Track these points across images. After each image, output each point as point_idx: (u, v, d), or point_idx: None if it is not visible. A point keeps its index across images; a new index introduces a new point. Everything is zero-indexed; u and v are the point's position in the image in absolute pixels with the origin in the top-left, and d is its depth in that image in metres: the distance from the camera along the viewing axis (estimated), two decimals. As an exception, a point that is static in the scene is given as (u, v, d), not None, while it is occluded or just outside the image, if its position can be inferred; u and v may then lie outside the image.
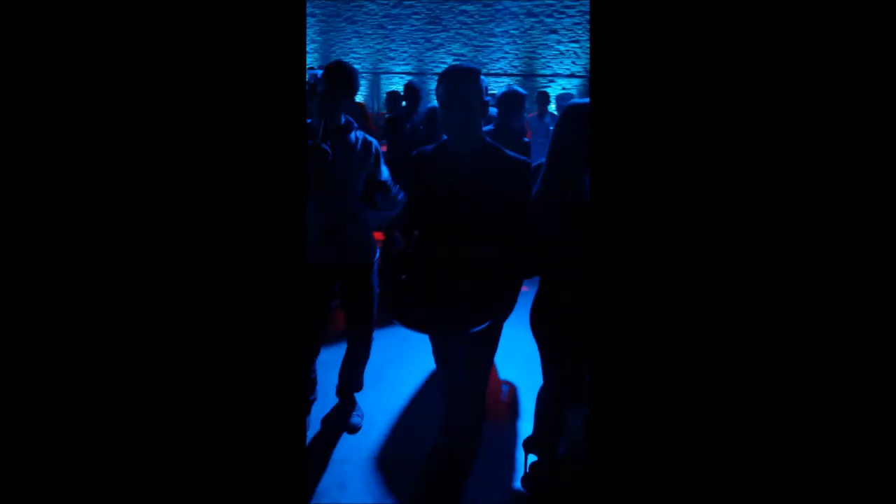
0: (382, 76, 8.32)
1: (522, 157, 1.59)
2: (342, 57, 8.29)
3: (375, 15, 8.30)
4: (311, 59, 8.60)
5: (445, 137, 1.60)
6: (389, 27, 8.25)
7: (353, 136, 1.99)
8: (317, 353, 2.24)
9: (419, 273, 1.54)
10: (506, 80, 7.53)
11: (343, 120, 1.95)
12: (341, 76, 1.88)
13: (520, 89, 2.97)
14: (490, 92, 1.70)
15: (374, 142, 2.04)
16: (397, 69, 8.28)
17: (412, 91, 4.37)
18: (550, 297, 1.65)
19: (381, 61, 8.37)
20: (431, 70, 8.03)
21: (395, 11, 8.20)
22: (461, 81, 1.49)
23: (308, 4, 8.60)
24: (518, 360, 2.71)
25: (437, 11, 7.99)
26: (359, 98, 8.24)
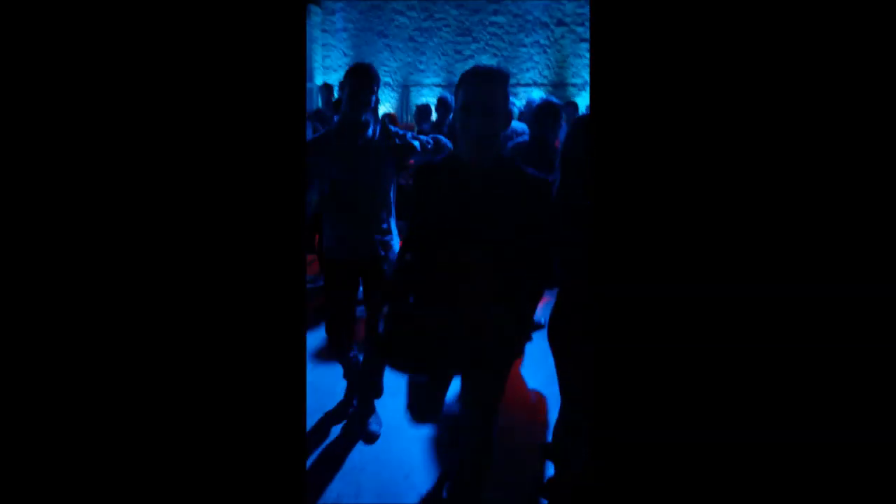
0: (412, 88, 8.39)
1: (542, 175, 1.42)
2: (373, 69, 8.39)
3: (406, 28, 8.40)
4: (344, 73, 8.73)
5: (461, 147, 1.39)
6: (420, 40, 8.33)
7: (370, 131, 2.05)
8: (350, 339, 2.26)
9: (405, 303, 1.35)
10: (535, 90, 7.49)
11: (363, 118, 2.02)
12: (362, 75, 1.98)
13: (555, 100, 2.93)
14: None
15: (391, 126, 2.13)
16: (427, 81, 8.34)
17: (444, 105, 4.38)
18: (558, 316, 1.62)
19: (412, 73, 8.45)
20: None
21: (426, 24, 8.27)
22: (487, 84, 1.30)
23: (340, 18, 8.76)
24: (547, 369, 2.65)
25: (468, 23, 8.04)
26: (390, 109, 8.32)
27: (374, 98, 2.02)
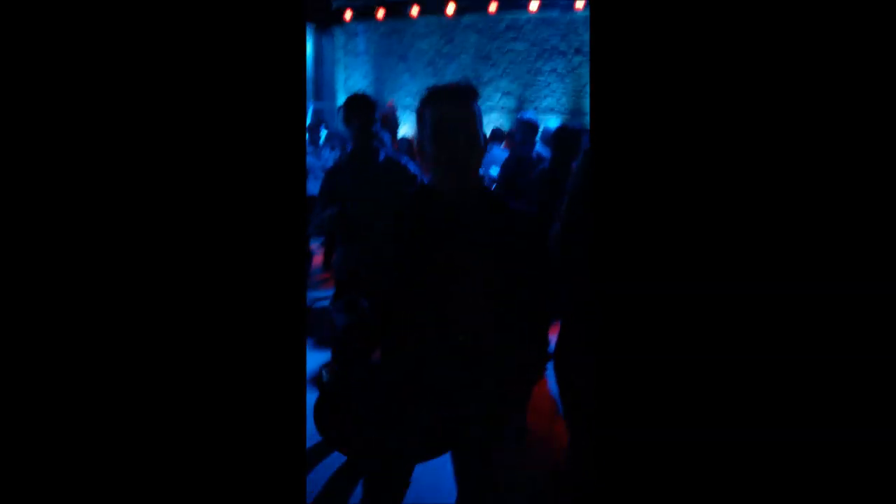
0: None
1: (531, 211, 1.25)
2: (394, 93, 8.56)
3: (427, 52, 8.57)
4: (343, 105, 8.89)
5: (433, 179, 1.17)
6: (439, 64, 8.49)
7: (381, 155, 2.19)
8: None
9: (353, 371, 1.10)
10: (552, 118, 7.57)
11: (373, 145, 2.18)
12: (363, 107, 2.14)
13: (575, 125, 2.94)
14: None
15: (402, 157, 2.31)
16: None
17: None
18: (562, 347, 1.60)
19: (430, 96, 8.57)
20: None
21: (445, 50, 8.44)
22: (458, 103, 1.10)
23: (362, 41, 8.97)
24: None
25: (487, 49, 8.18)
26: (409, 134, 8.50)
27: (377, 125, 2.17)
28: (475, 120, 1.12)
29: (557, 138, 2.82)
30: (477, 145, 1.12)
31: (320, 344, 3.30)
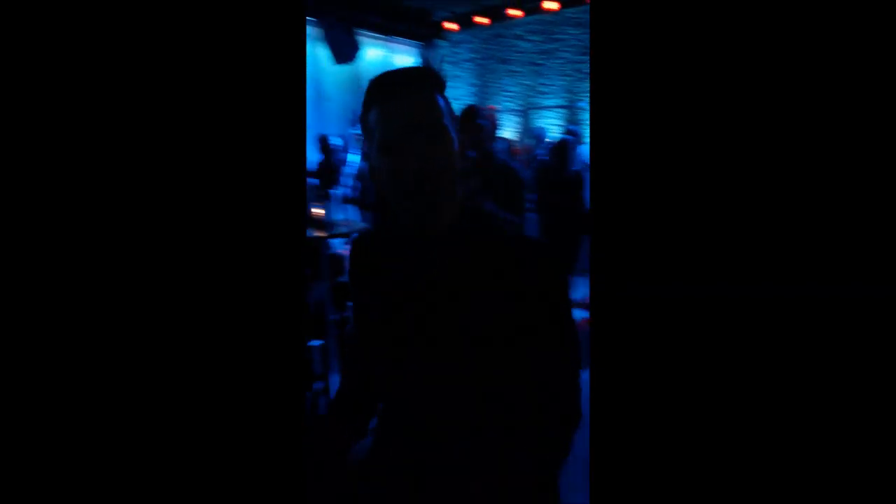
0: (534, 112, 8.53)
1: (541, 240, 0.85)
2: (495, 96, 8.72)
3: (527, 52, 8.60)
4: (471, 101, 9.19)
5: (394, 208, 0.83)
6: (540, 62, 8.47)
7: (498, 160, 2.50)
8: None
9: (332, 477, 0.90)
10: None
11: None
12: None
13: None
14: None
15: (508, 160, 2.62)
16: (547, 103, 8.42)
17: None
18: None
19: (533, 97, 8.60)
20: (580, 99, 8.00)
21: (546, 47, 8.40)
22: (426, 95, 0.78)
23: (465, 50, 9.26)
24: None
25: (588, 41, 7.96)
26: (510, 135, 8.55)
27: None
28: (442, 117, 0.77)
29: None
30: (450, 152, 0.77)
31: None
